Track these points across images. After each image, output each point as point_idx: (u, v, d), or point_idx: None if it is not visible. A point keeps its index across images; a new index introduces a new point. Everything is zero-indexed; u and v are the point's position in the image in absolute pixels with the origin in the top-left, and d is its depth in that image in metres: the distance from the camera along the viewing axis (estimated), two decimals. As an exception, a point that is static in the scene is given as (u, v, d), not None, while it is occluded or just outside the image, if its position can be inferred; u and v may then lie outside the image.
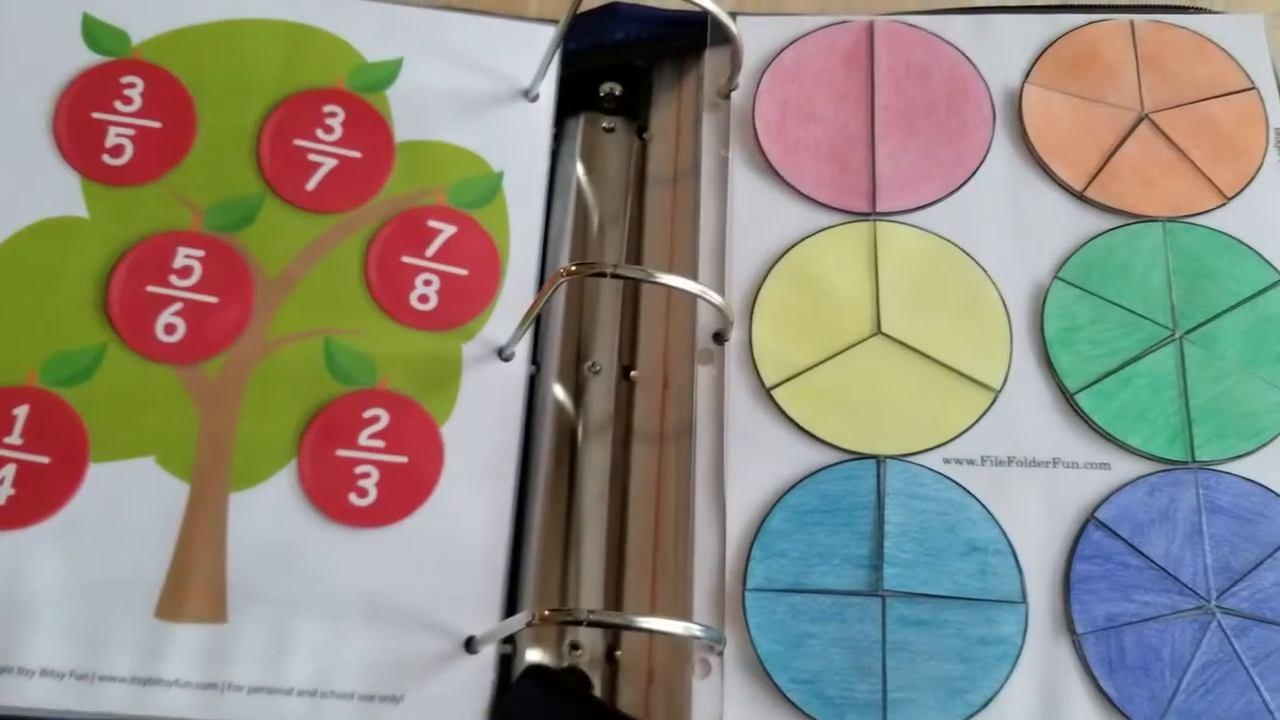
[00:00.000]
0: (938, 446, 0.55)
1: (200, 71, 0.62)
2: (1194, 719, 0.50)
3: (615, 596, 0.56)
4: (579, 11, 0.64)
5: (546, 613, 0.47)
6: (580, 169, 0.65)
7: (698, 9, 0.58)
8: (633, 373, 0.61)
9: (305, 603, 0.53)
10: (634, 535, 0.57)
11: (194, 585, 0.53)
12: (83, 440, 0.54)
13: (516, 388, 0.58)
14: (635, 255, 0.64)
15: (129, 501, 0.54)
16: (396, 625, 0.53)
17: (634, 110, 0.67)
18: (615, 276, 0.58)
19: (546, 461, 0.58)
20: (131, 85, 0.61)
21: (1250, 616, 0.52)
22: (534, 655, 0.54)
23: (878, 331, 0.57)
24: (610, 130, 0.66)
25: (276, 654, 0.52)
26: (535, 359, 0.60)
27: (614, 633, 0.55)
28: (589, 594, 0.56)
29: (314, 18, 0.64)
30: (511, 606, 0.55)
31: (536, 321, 0.61)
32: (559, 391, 0.60)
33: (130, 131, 0.60)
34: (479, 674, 0.52)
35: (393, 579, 0.53)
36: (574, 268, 0.53)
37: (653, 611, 0.55)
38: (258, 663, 0.52)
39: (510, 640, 0.54)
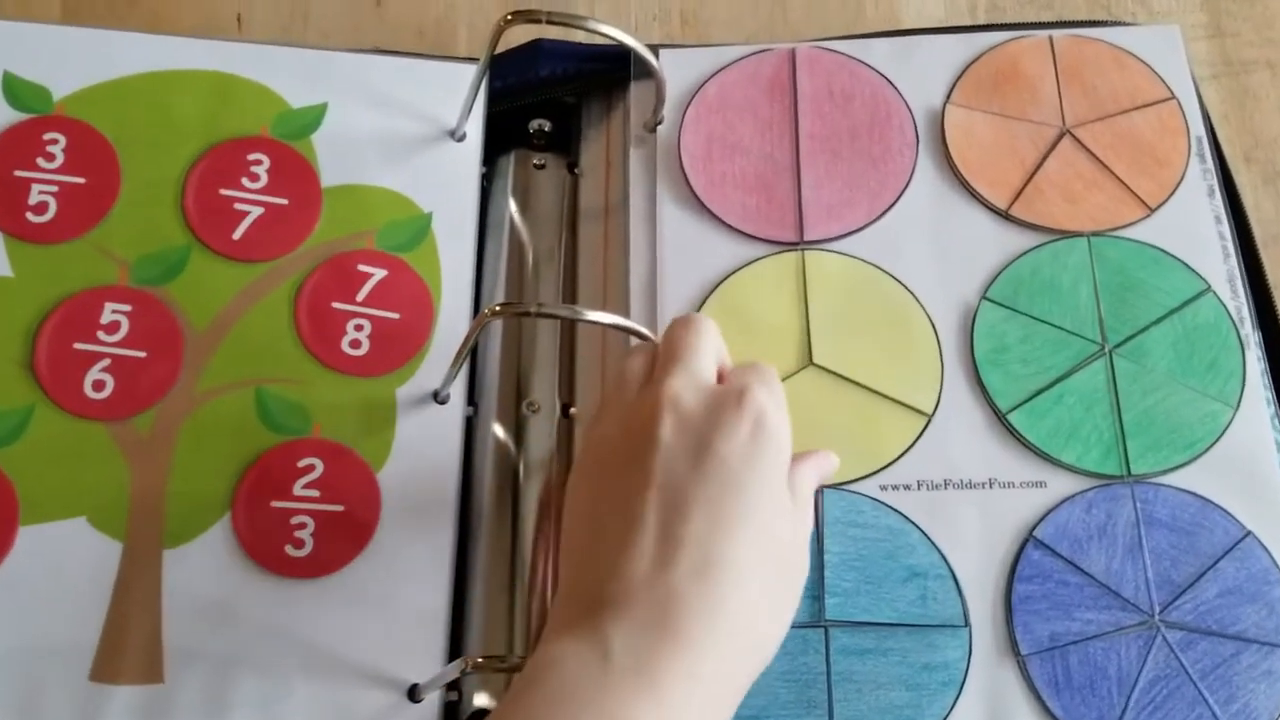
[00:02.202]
0: (874, 474, 0.55)
1: (123, 125, 0.61)
2: (1144, 737, 0.50)
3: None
4: (503, 50, 0.64)
5: (480, 659, 0.47)
6: (513, 207, 0.65)
7: (618, 44, 0.58)
8: (573, 410, 0.60)
9: (244, 658, 0.52)
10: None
11: (129, 646, 0.52)
12: (12, 503, 0.54)
13: (453, 430, 0.58)
14: (571, 291, 0.64)
15: (60, 563, 0.53)
16: (338, 676, 0.52)
17: (565, 146, 0.67)
18: (540, 315, 0.58)
19: (488, 503, 0.57)
20: (54, 141, 0.61)
21: (1195, 629, 0.52)
22: (481, 700, 0.53)
23: (809, 363, 0.57)
24: (541, 167, 0.66)
25: (216, 712, 0.51)
26: (472, 400, 0.59)
27: (560, 673, 0.54)
28: (535, 635, 0.55)
29: (237, 66, 0.63)
30: (456, 651, 0.54)
31: (473, 362, 0.60)
32: (499, 431, 0.59)
33: (53, 188, 0.60)
34: (422, 723, 0.52)
35: (333, 630, 0.53)
36: (498, 308, 0.53)
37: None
38: (198, 722, 0.51)
39: (456, 686, 0.53)
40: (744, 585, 0.42)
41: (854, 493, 0.55)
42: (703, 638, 0.40)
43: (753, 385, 0.45)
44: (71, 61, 0.62)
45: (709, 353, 0.48)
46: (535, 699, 0.39)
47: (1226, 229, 0.60)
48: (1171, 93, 0.64)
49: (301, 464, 0.56)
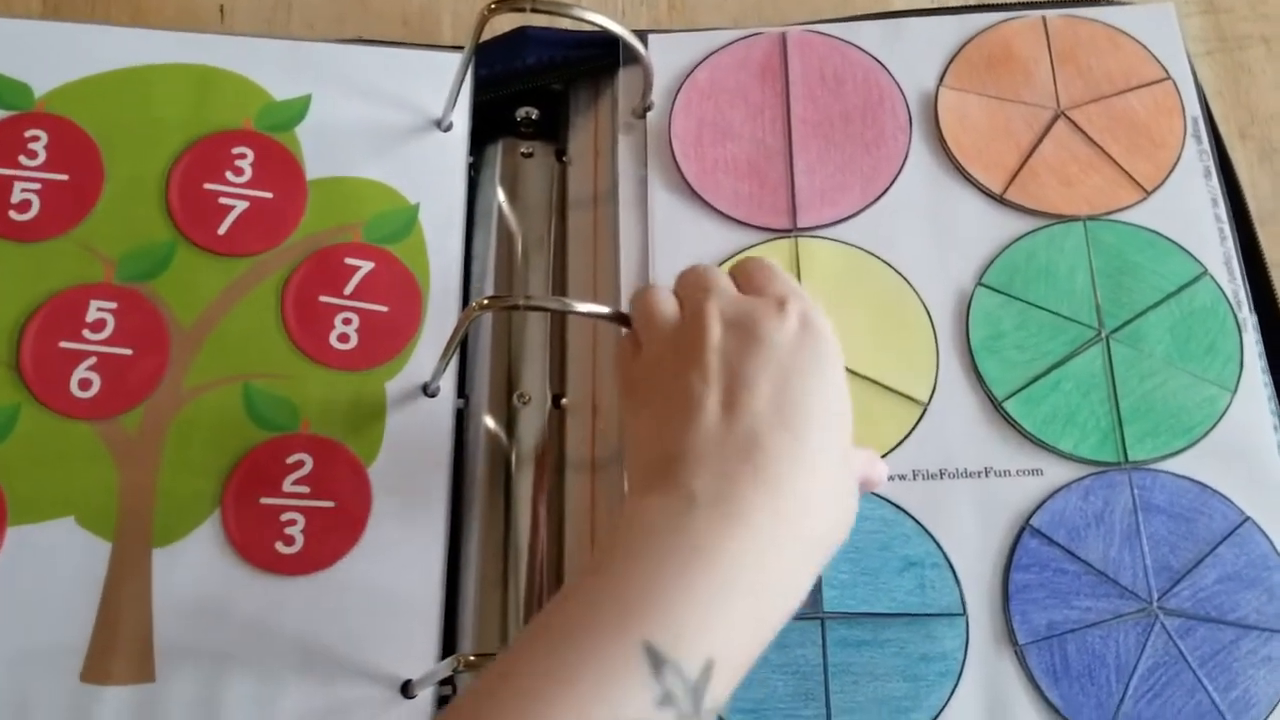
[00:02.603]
0: (869, 464, 0.55)
1: (106, 120, 0.61)
2: (1143, 724, 0.50)
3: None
4: (490, 38, 0.64)
5: (473, 657, 0.46)
6: (501, 196, 0.64)
7: (605, 31, 0.57)
8: (564, 400, 0.60)
9: (236, 656, 0.52)
10: (571, 566, 0.56)
11: (120, 646, 0.51)
12: (-1, 504, 0.53)
13: (444, 423, 0.57)
14: (561, 281, 0.63)
15: (50, 564, 0.53)
16: (331, 673, 0.52)
17: (553, 134, 0.67)
18: (528, 308, 0.58)
19: (480, 495, 0.57)
20: (36, 139, 0.60)
21: (1194, 616, 0.52)
22: (476, 695, 0.53)
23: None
24: (529, 155, 0.66)
25: (209, 710, 0.51)
26: (463, 392, 0.59)
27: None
28: (528, 630, 0.55)
29: (220, 59, 0.63)
30: (450, 646, 0.54)
31: (463, 354, 0.60)
32: (490, 423, 0.59)
33: (36, 185, 0.59)
34: (417, 719, 0.51)
35: (325, 626, 0.52)
36: (486, 301, 0.52)
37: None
38: (190, 721, 0.51)
39: (450, 682, 0.53)
40: (816, 436, 0.42)
41: (848, 484, 0.54)
42: (784, 477, 0.41)
43: (791, 293, 0.46)
44: (52, 57, 0.61)
45: (730, 282, 0.48)
46: (618, 552, 0.39)
47: (1223, 211, 0.60)
48: (1167, 73, 0.63)
49: (291, 460, 0.55)
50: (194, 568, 0.53)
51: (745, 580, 0.39)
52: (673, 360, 0.45)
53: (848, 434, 0.45)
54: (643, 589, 0.38)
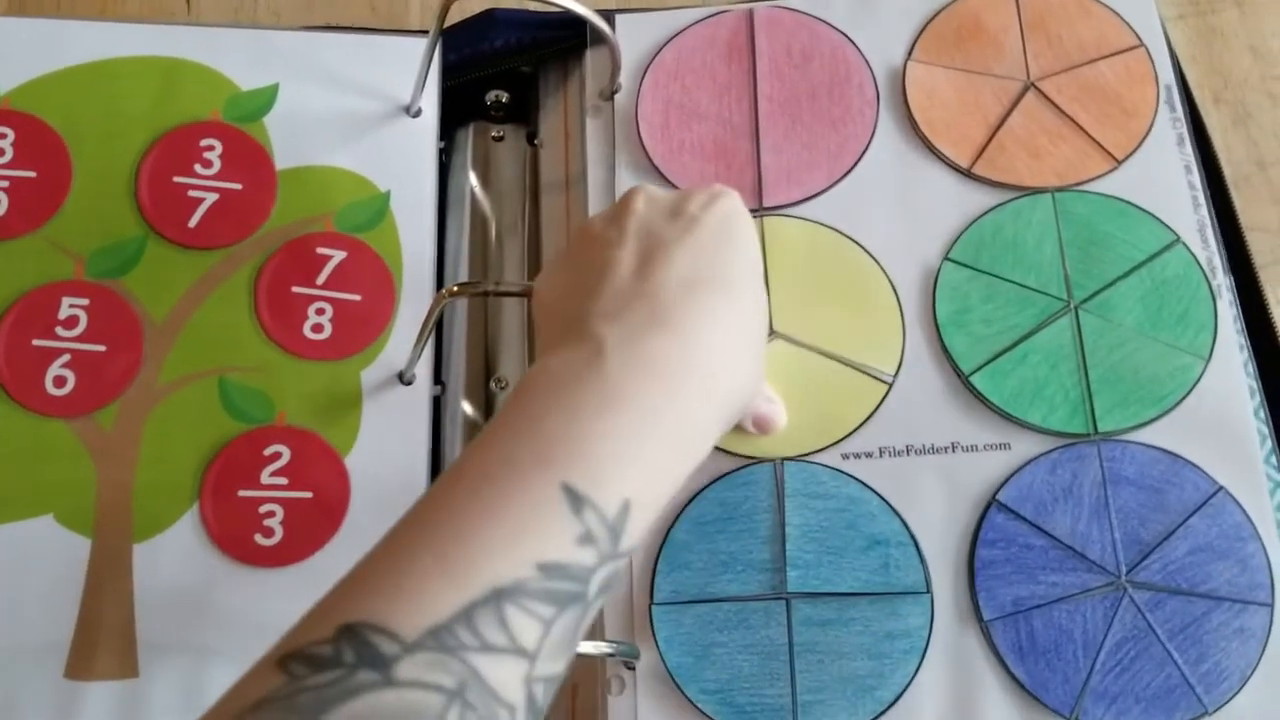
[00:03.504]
0: (835, 443, 0.55)
1: (72, 116, 0.61)
2: (1111, 699, 0.50)
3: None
4: (457, 22, 0.64)
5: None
6: (473, 180, 0.64)
7: (569, 12, 0.57)
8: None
9: (218, 649, 0.52)
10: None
11: (102, 642, 0.52)
12: (-23, 504, 0.54)
13: (421, 411, 0.57)
14: (535, 264, 0.63)
15: (30, 562, 0.53)
16: (311, 663, 0.52)
17: (524, 117, 0.66)
18: (498, 294, 0.58)
19: (458, 481, 0.57)
20: (3, 136, 0.60)
21: (1163, 589, 0.52)
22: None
23: (770, 332, 0.57)
24: (500, 139, 0.65)
25: (192, 704, 0.51)
26: (439, 379, 0.59)
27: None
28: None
29: (185, 50, 0.62)
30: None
31: (439, 341, 0.60)
32: (468, 409, 0.59)
33: (4, 184, 0.59)
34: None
35: (304, 617, 0.53)
36: (455, 288, 0.52)
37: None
38: (173, 715, 0.51)
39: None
40: (728, 296, 0.44)
41: (813, 463, 0.54)
42: (694, 330, 0.42)
43: (723, 191, 0.48)
44: (17, 54, 0.61)
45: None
46: (530, 400, 0.40)
47: (1197, 178, 0.59)
48: (1139, 40, 0.62)
49: (268, 452, 0.56)
50: (174, 562, 0.54)
51: (659, 427, 0.40)
52: (597, 231, 0.46)
53: (760, 303, 0.47)
54: (559, 433, 0.38)
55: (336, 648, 0.33)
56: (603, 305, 0.42)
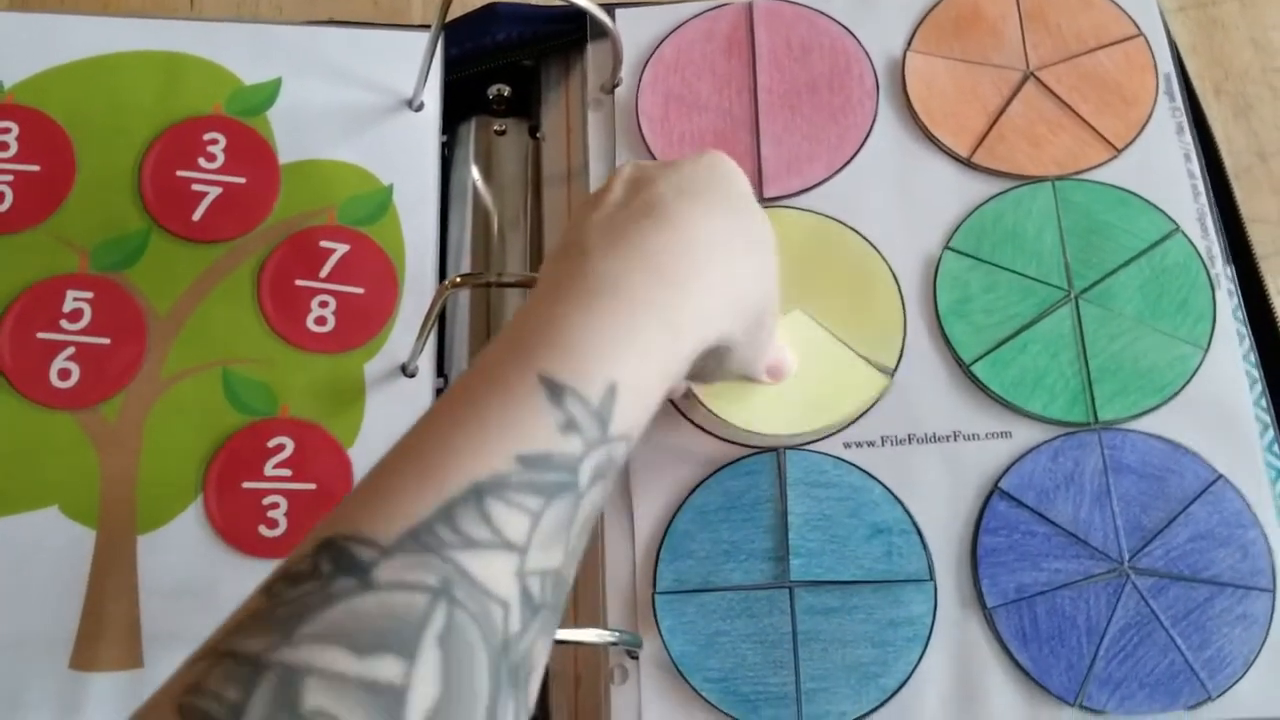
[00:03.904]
0: (837, 432, 0.55)
1: (77, 110, 0.61)
2: (1115, 685, 0.50)
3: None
4: (459, 16, 0.64)
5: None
6: (475, 174, 0.64)
7: (571, 6, 0.57)
8: (542, 376, 0.60)
9: (222, 640, 0.52)
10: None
11: (107, 633, 0.52)
12: (-17, 497, 0.54)
13: (423, 403, 0.58)
14: (537, 258, 0.63)
15: (35, 554, 0.53)
16: (315, 654, 0.52)
17: (526, 110, 0.67)
18: (501, 285, 0.58)
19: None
20: (6, 130, 0.60)
21: (1166, 575, 0.52)
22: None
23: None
24: (502, 133, 0.66)
25: (196, 694, 0.51)
26: (442, 371, 0.59)
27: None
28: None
29: (188, 45, 0.63)
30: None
31: (441, 333, 0.60)
32: (469, 401, 0.59)
33: (8, 178, 0.60)
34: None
35: (308, 608, 0.53)
36: (459, 279, 0.52)
37: (575, 619, 0.55)
38: (177, 705, 0.51)
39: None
40: (725, 206, 0.44)
41: (816, 452, 0.54)
42: (689, 224, 0.42)
43: (718, 154, 0.47)
44: (21, 49, 0.62)
45: None
46: (517, 315, 0.40)
47: (1196, 167, 0.59)
48: (1139, 29, 0.62)
49: (271, 444, 0.56)
50: (178, 553, 0.54)
51: (649, 312, 0.39)
52: (590, 197, 0.46)
53: (763, 221, 0.46)
54: (538, 327, 0.38)
55: (314, 560, 0.32)
56: (593, 220, 0.42)
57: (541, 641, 0.35)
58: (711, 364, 0.46)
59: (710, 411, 0.54)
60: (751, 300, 0.45)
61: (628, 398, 0.38)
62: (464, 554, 0.33)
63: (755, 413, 0.54)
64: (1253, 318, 0.57)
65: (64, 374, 0.56)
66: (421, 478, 0.34)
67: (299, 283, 0.59)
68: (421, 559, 0.32)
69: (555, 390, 0.36)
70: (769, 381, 0.54)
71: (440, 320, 0.59)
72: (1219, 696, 0.50)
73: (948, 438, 0.54)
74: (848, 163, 0.60)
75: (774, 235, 0.47)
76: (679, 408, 0.56)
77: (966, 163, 0.60)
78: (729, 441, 0.55)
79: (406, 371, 0.58)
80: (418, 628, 0.31)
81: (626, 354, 0.38)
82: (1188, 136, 0.60)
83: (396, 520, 0.33)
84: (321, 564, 0.32)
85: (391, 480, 0.35)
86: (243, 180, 0.61)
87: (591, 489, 0.37)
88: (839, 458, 0.54)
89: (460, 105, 0.65)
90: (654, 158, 0.61)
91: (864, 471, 0.54)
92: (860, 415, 0.55)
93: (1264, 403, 0.55)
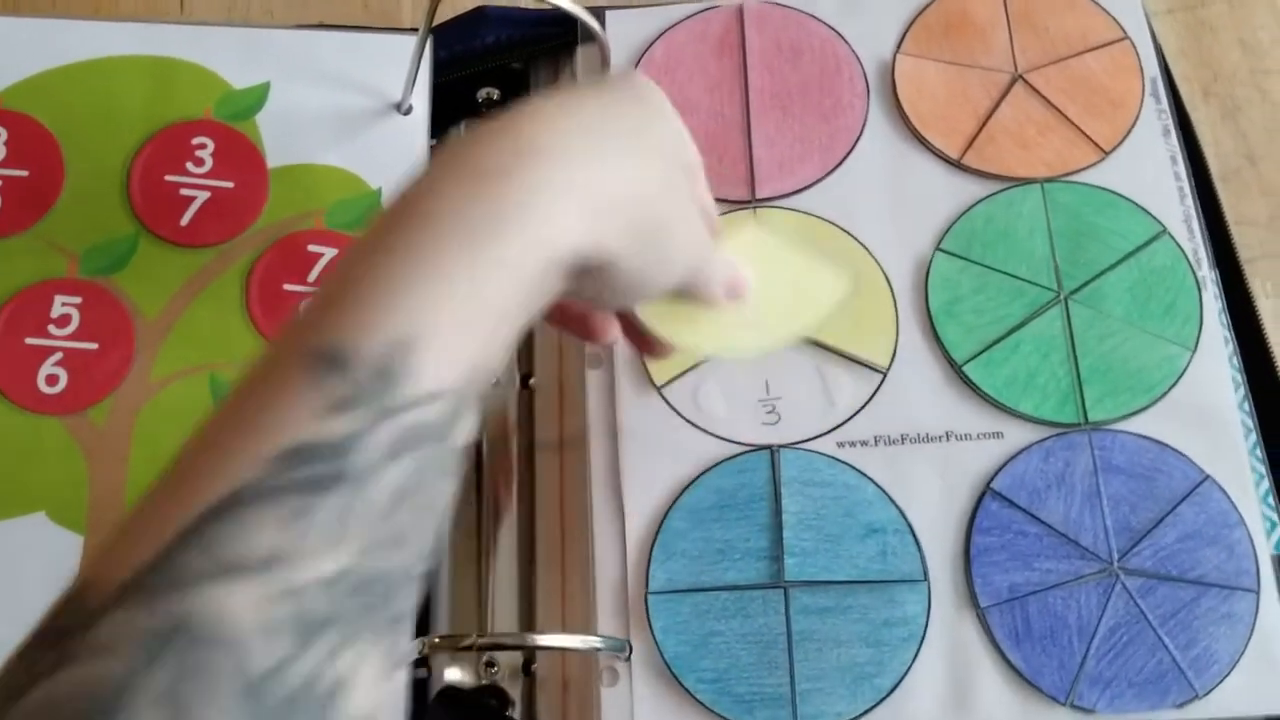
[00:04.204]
0: (830, 431, 0.55)
1: (65, 115, 0.61)
2: (1105, 684, 0.50)
3: (528, 609, 0.56)
4: (447, 19, 0.64)
5: (437, 640, 0.47)
6: (465, 178, 0.64)
7: (559, 9, 0.57)
8: (532, 380, 0.60)
9: (212, 645, 0.52)
10: (542, 545, 0.57)
11: (96, 638, 0.52)
12: (-31, 503, 0.54)
13: (413, 406, 0.57)
14: (527, 260, 0.63)
15: (22, 560, 0.53)
16: (306, 659, 0.52)
17: (515, 113, 0.66)
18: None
19: (452, 477, 0.57)
20: (-5, 135, 0.60)
21: (1154, 575, 0.52)
22: (453, 674, 0.53)
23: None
24: (491, 136, 0.65)
25: (186, 700, 0.51)
26: (431, 375, 0.59)
27: (528, 646, 0.55)
28: (502, 609, 0.55)
29: (177, 49, 0.63)
30: (423, 628, 0.54)
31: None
32: (459, 405, 0.59)
33: (-3, 182, 0.59)
34: (390, 700, 0.52)
35: (299, 613, 0.53)
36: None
37: (563, 622, 0.55)
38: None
39: (425, 663, 0.53)
40: (593, 95, 0.38)
41: (810, 451, 0.54)
42: (536, 119, 0.35)
43: None
44: (9, 53, 0.61)
45: None
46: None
47: (1182, 169, 0.60)
48: (1125, 32, 0.63)
49: (260, 448, 0.55)
50: (167, 558, 0.53)
51: (461, 231, 0.32)
52: None
53: (663, 133, 0.40)
54: (320, 293, 0.32)
55: (53, 618, 0.28)
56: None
57: (349, 654, 0.28)
58: (596, 284, 0.38)
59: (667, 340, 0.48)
60: (634, 209, 0.37)
61: (439, 344, 0.31)
62: (208, 585, 0.27)
63: (718, 337, 0.48)
64: (1236, 321, 0.58)
65: (52, 379, 0.56)
66: (168, 499, 0.29)
67: (287, 287, 0.59)
68: (148, 605, 0.27)
69: (325, 363, 0.30)
70: (725, 301, 0.45)
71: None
72: (1206, 695, 0.50)
73: (940, 438, 0.55)
74: (839, 164, 0.60)
75: (693, 152, 0.41)
76: (671, 404, 0.55)
77: (957, 164, 0.60)
78: (722, 439, 0.54)
79: (396, 375, 0.57)
80: (127, 698, 0.26)
81: (426, 290, 0.31)
82: (1174, 139, 0.60)
83: (129, 557, 0.27)
84: (57, 621, 0.28)
85: (141, 505, 0.29)
86: (231, 185, 0.60)
87: (389, 467, 0.30)
88: (833, 457, 0.54)
89: (449, 109, 0.65)
90: (645, 160, 0.61)
91: (858, 470, 0.54)
92: (855, 414, 0.55)
93: (1246, 407, 0.55)
